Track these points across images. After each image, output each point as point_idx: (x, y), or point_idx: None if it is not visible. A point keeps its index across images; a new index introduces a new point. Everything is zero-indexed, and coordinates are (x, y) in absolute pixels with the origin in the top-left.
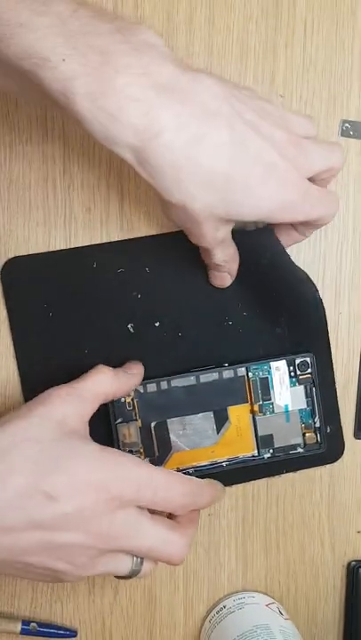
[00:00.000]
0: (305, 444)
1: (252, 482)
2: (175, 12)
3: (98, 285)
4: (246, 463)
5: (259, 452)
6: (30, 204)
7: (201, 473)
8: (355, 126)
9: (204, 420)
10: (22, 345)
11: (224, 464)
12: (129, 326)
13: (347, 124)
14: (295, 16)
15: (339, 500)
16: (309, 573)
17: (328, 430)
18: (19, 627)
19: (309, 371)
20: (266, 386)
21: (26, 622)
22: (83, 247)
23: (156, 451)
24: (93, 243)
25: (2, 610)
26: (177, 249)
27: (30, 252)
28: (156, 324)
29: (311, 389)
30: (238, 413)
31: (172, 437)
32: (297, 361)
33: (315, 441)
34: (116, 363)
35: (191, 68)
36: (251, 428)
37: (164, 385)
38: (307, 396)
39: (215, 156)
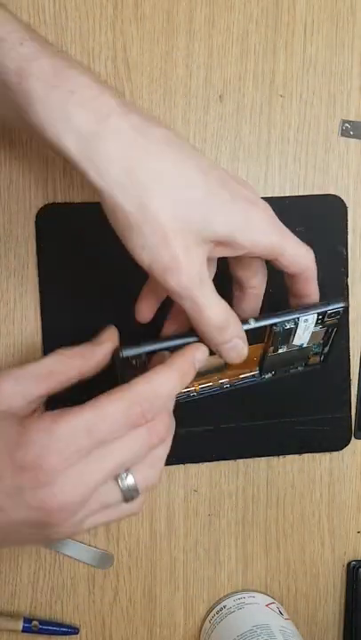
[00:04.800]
0: (306, 365)
1: (252, 482)
2: (175, 12)
3: None
4: (247, 383)
5: (261, 373)
6: (30, 203)
7: (204, 395)
8: (355, 126)
9: (214, 359)
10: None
11: (226, 385)
12: None
13: (347, 124)
14: (295, 16)
15: (339, 500)
16: (309, 573)
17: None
18: (20, 624)
19: (338, 317)
20: (288, 335)
21: (27, 620)
22: None
23: None
24: None
25: (2, 609)
26: None
27: (30, 251)
28: None
29: (333, 330)
30: (250, 350)
31: None
32: (329, 311)
33: (317, 361)
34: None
35: None
36: (258, 359)
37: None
38: (326, 335)
39: (163, 146)
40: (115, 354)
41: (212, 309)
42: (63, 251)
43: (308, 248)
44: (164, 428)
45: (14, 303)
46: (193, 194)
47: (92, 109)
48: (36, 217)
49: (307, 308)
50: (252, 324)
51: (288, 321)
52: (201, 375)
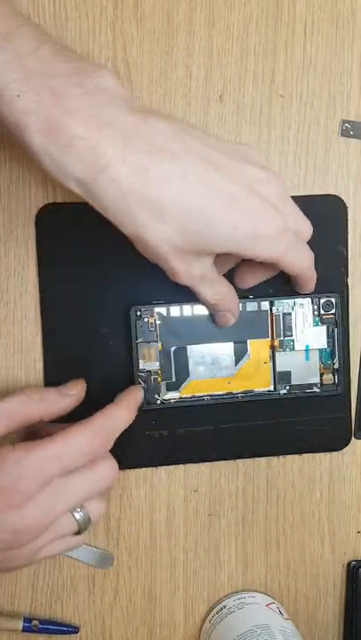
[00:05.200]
0: (322, 384)
1: (252, 482)
2: (175, 12)
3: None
4: (262, 397)
5: (275, 388)
6: (30, 203)
7: (216, 402)
8: (355, 126)
9: (223, 350)
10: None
11: (240, 396)
12: None
13: (347, 124)
14: (295, 16)
15: (339, 500)
16: (309, 573)
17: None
18: (20, 624)
19: (333, 311)
20: (289, 322)
21: (27, 620)
22: None
23: (174, 375)
24: None
25: (2, 609)
26: None
27: (30, 251)
28: None
29: (333, 330)
30: (258, 348)
31: (191, 364)
32: (322, 300)
33: (332, 382)
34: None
35: (146, 109)
36: (269, 363)
37: (187, 311)
38: (328, 337)
39: (162, 186)
40: (130, 311)
41: (209, 296)
42: (63, 251)
43: (308, 256)
44: (115, 470)
45: (14, 303)
46: (192, 227)
47: (89, 162)
48: (36, 217)
49: (302, 295)
50: (251, 299)
51: (284, 302)
52: (213, 377)
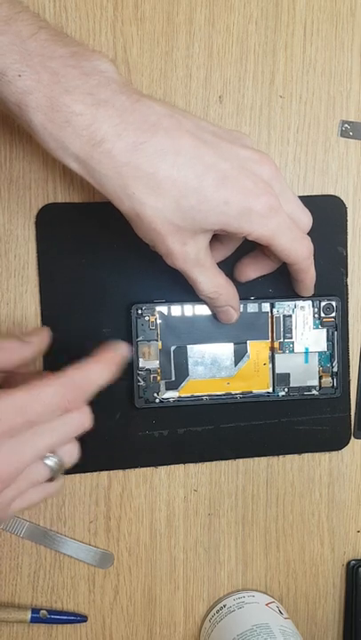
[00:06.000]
0: (320, 387)
1: (252, 481)
2: (175, 13)
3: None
4: (260, 399)
5: (274, 389)
6: (30, 203)
7: (215, 402)
8: (354, 127)
9: (223, 351)
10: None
11: (238, 397)
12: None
13: (346, 125)
14: (295, 17)
15: (339, 500)
16: (309, 573)
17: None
18: (28, 615)
19: (333, 315)
20: (289, 324)
21: (35, 610)
22: None
23: (173, 375)
24: None
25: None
26: None
27: (30, 251)
28: None
29: (333, 333)
30: (258, 349)
31: (191, 364)
32: (322, 303)
33: (330, 385)
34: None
35: (140, 92)
36: (269, 365)
37: (188, 311)
38: (328, 340)
39: (156, 161)
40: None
41: (204, 284)
42: (63, 251)
43: (305, 245)
44: (88, 419)
45: (14, 303)
46: (186, 202)
47: (85, 137)
48: (36, 217)
49: (303, 297)
50: (252, 300)
51: (285, 304)
52: (212, 377)
